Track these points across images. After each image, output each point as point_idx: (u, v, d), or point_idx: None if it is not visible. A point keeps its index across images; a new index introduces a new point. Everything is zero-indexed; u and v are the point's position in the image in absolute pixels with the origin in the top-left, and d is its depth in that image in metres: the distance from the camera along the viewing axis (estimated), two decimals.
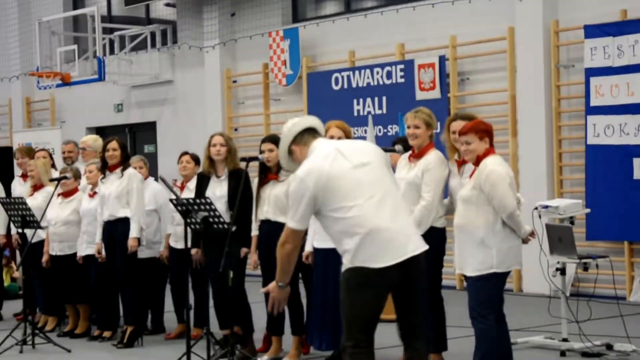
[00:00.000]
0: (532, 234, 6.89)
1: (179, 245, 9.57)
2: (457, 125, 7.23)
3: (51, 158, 11.28)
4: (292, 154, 5.64)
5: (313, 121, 5.70)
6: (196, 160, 9.84)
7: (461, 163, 7.32)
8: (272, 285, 5.65)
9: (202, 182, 8.92)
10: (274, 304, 5.64)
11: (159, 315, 10.21)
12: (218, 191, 8.72)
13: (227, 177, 8.71)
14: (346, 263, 5.37)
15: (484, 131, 6.70)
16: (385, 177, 5.52)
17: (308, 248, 8.10)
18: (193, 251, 9.07)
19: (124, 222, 9.37)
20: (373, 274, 5.28)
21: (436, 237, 7.37)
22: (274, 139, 8.39)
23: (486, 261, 6.56)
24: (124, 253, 9.35)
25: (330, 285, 7.70)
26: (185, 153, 9.93)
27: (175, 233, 9.73)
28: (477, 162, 6.70)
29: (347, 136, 7.82)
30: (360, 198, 5.33)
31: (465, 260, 6.69)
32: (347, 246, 5.33)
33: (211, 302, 8.71)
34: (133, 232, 9.34)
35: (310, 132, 5.62)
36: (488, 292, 6.63)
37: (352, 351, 5.37)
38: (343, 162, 5.41)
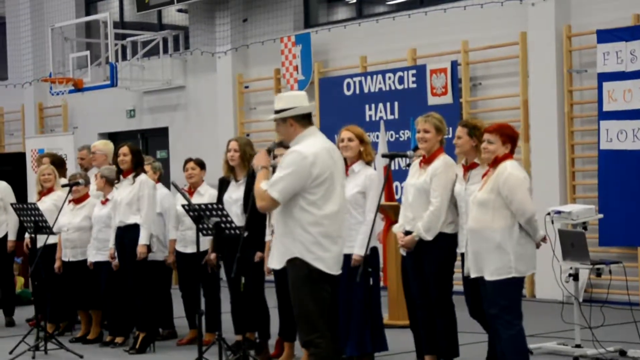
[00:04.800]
0: (544, 239, 6.91)
1: (189, 249, 9.58)
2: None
3: (64, 163, 11.24)
4: (284, 122, 6.14)
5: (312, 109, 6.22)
6: (201, 165, 9.73)
7: (467, 169, 7.30)
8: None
9: (222, 186, 8.96)
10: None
11: (168, 318, 10.19)
12: (235, 195, 8.76)
13: (245, 182, 8.71)
14: None
15: (509, 136, 6.70)
16: None
17: None
18: (212, 256, 9.00)
19: (134, 229, 9.37)
20: None
21: (446, 243, 7.35)
22: (288, 145, 8.37)
23: (504, 265, 6.55)
24: (133, 259, 9.36)
25: (355, 290, 7.66)
26: (190, 159, 9.75)
27: (184, 238, 9.69)
28: (493, 163, 6.68)
29: (359, 138, 7.81)
30: None
31: (482, 264, 6.65)
32: None
33: (229, 307, 8.74)
34: (142, 239, 9.33)
35: (309, 118, 6.17)
36: (509, 297, 6.61)
37: None
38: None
